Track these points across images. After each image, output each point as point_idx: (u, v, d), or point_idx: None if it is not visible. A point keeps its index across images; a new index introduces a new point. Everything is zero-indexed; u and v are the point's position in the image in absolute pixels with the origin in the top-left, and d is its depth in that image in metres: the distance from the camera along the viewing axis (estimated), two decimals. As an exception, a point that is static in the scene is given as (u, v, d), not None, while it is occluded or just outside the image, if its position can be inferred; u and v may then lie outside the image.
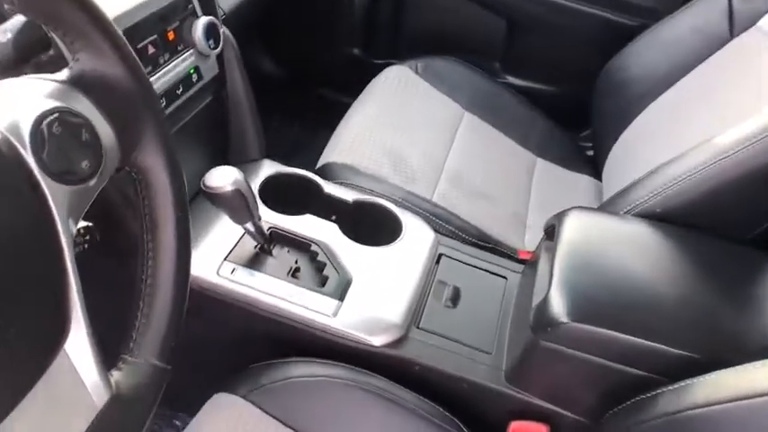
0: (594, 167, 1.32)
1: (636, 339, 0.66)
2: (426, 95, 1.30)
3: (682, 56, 1.20)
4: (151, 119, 0.47)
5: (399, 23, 1.55)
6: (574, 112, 1.41)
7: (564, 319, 0.66)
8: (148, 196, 0.47)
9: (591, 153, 1.39)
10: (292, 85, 1.71)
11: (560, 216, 0.79)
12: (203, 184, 0.72)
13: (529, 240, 1.09)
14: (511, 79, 1.48)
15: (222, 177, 0.72)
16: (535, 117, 1.39)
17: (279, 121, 1.69)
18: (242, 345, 0.86)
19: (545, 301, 0.68)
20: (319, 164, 1.09)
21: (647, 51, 1.27)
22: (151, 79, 0.74)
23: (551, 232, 0.80)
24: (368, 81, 1.32)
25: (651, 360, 0.66)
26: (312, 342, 0.77)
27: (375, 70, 1.36)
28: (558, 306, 0.67)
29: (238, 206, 0.74)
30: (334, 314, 0.77)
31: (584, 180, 1.31)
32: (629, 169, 1.15)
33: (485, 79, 1.38)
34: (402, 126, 1.19)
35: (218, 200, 0.73)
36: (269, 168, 0.97)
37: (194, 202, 0.89)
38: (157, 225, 0.48)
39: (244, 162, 0.98)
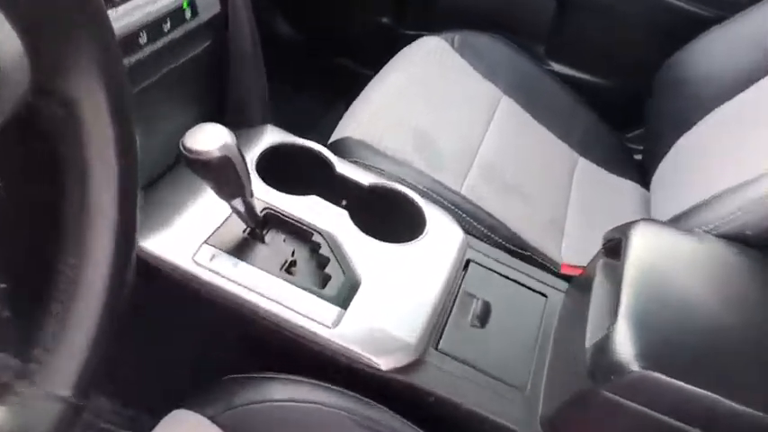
0: (641, 173, 1.17)
1: (725, 401, 0.50)
2: (462, 72, 1.13)
3: (759, 57, 1.04)
4: (89, 34, 0.31)
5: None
6: (624, 108, 1.25)
7: (634, 366, 0.50)
8: (75, 141, 0.32)
9: (639, 157, 1.23)
10: (307, 51, 1.55)
11: (626, 230, 0.63)
12: (182, 145, 0.55)
13: (567, 250, 0.93)
14: (555, 66, 1.31)
15: (207, 138, 0.56)
16: (580, 110, 1.22)
17: (289, 91, 1.53)
18: (215, 350, 0.70)
19: (608, 341, 0.52)
20: (332, 138, 0.93)
21: (719, 47, 1.11)
22: (125, 5, 0.58)
23: (613, 248, 0.64)
24: (394, 54, 1.16)
25: (739, 428, 0.51)
26: (303, 357, 0.62)
27: (404, 42, 1.20)
28: (627, 348, 0.51)
29: (226, 177, 0.58)
30: (334, 324, 0.61)
31: (628, 186, 1.15)
32: (687, 182, 1.00)
33: (528, 62, 1.22)
34: (432, 104, 1.03)
35: (200, 167, 0.57)
36: (271, 136, 0.81)
37: (175, 168, 0.73)
38: (87, 184, 0.32)
39: (242, 126, 0.82)
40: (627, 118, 1.25)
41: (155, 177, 0.72)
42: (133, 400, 0.88)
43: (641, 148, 1.23)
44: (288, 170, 0.78)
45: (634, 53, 1.24)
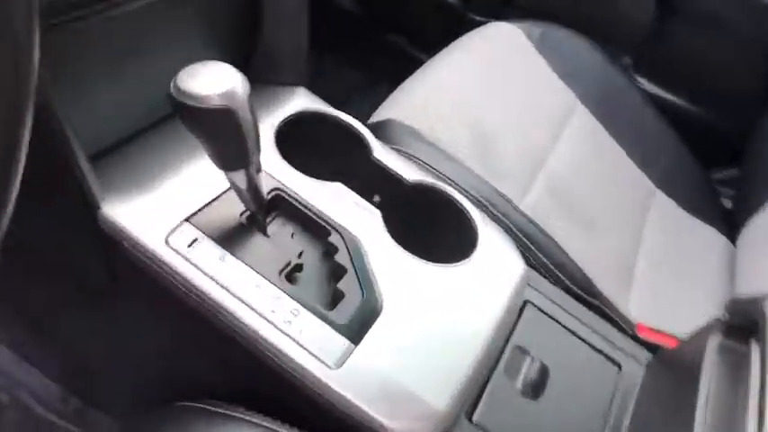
0: (728, 222, 0.98)
1: None
2: (536, 69, 0.96)
3: None
4: None
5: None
6: (717, 143, 1.07)
7: None
8: None
9: (727, 202, 1.04)
10: (356, 22, 1.38)
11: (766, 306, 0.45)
12: (173, 86, 0.39)
13: (636, 300, 0.75)
14: (642, 81, 1.12)
15: (208, 81, 0.39)
16: (666, 137, 1.04)
17: (331, 62, 1.36)
18: (173, 363, 0.54)
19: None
20: (373, 118, 0.76)
21: None
22: None
23: (739, 327, 0.46)
24: (454, 39, 0.99)
25: None
26: (288, 398, 0.45)
27: (468, 28, 1.02)
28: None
29: (226, 137, 0.41)
30: (337, 364, 0.44)
31: (710, 234, 0.96)
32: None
33: (614, 70, 1.03)
34: (496, 99, 0.86)
35: (192, 118, 0.40)
36: (301, 101, 0.64)
37: (171, 121, 0.56)
38: None
39: (269, 82, 0.65)
40: (719, 155, 1.07)
41: (144, 127, 0.56)
42: (82, 393, 0.73)
43: (731, 192, 1.04)
44: (313, 146, 0.61)
45: (741, 81, 1.05)
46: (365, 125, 0.66)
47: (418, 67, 0.91)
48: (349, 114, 0.65)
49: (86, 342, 0.66)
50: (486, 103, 0.84)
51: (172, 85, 0.39)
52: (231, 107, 0.39)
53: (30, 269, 0.59)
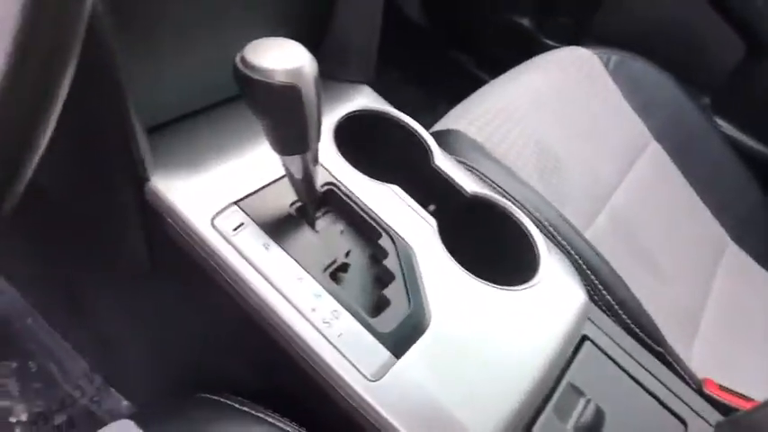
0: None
1: None
2: (610, 99, 0.91)
3: None
4: None
5: (595, 3, 1.15)
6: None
7: None
8: None
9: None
10: (422, 35, 1.36)
11: None
12: (239, 57, 0.36)
13: (700, 354, 0.69)
14: (721, 123, 1.06)
15: (276, 56, 0.37)
16: (744, 185, 0.97)
17: (396, 76, 1.35)
18: (200, 351, 0.51)
19: None
20: (436, 127, 0.73)
21: None
22: None
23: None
24: (521, 62, 0.95)
25: None
26: (318, 406, 0.41)
27: (540, 52, 0.98)
28: None
29: (287, 116, 0.39)
30: (376, 376, 0.41)
31: (783, 293, 0.89)
32: None
33: (694, 108, 0.97)
34: (566, 124, 0.82)
35: (255, 92, 0.38)
36: (365, 100, 0.61)
37: (233, 104, 0.55)
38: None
39: (334, 78, 0.63)
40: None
41: (204, 107, 0.54)
42: (106, 371, 0.71)
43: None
44: (371, 146, 0.58)
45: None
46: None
47: (479, 87, 0.87)
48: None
49: (116, 320, 0.64)
50: (554, 127, 0.80)
51: (238, 56, 0.37)
52: (297, 84, 0.37)
53: (69, 239, 0.58)
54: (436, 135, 0.69)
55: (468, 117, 0.73)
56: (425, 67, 1.37)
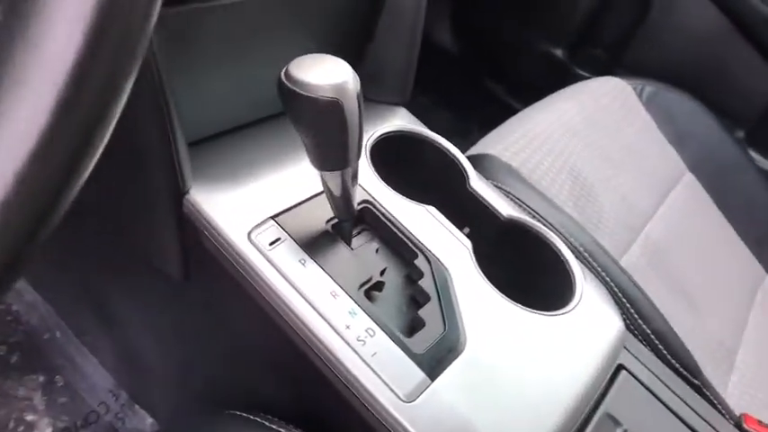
0: None
1: None
2: (644, 129, 0.91)
3: None
4: None
5: (628, 35, 1.15)
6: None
7: None
8: None
9: None
10: (454, 63, 1.37)
11: None
12: (283, 72, 0.37)
13: (737, 389, 0.67)
14: (756, 156, 1.04)
15: (321, 72, 0.37)
16: (781, 219, 0.95)
17: (427, 101, 1.36)
18: (229, 368, 0.51)
19: None
20: (470, 151, 0.73)
21: None
22: None
23: None
24: (553, 92, 0.95)
25: None
26: (349, 426, 0.41)
27: (573, 82, 0.98)
28: None
29: (329, 132, 0.39)
30: (410, 397, 0.40)
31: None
32: None
33: (729, 140, 0.96)
34: (601, 153, 0.81)
35: (298, 107, 0.38)
36: (401, 121, 0.62)
37: (275, 121, 0.55)
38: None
39: (371, 99, 0.64)
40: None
41: (247, 122, 0.55)
42: (131, 387, 0.71)
43: None
44: (407, 166, 0.58)
45: None
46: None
47: (511, 116, 0.87)
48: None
49: (144, 332, 0.64)
50: (588, 155, 0.79)
51: (283, 71, 0.37)
52: (340, 100, 0.37)
53: (104, 251, 0.59)
54: (471, 159, 0.69)
55: (502, 142, 0.73)
56: (457, 93, 1.38)
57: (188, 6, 0.44)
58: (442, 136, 0.61)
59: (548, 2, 1.20)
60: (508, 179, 0.65)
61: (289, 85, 0.37)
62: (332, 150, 0.41)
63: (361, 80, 0.61)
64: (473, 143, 0.79)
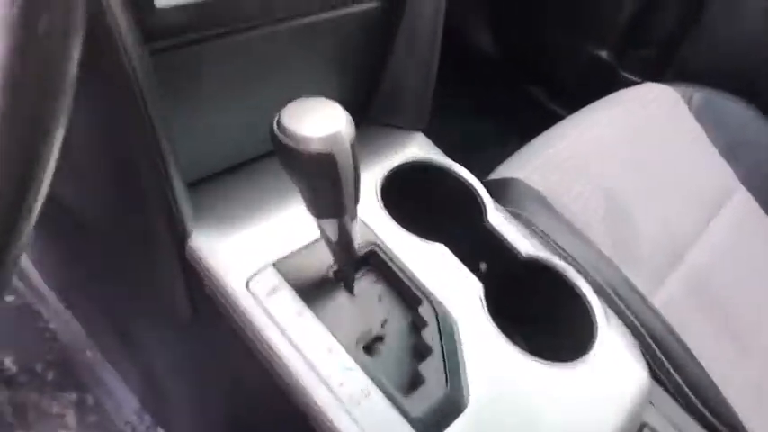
0: None
1: None
2: (693, 140, 0.84)
3: None
4: None
5: (680, 35, 1.08)
6: None
7: None
8: None
9: None
10: (493, 66, 1.33)
11: None
12: (275, 122, 0.35)
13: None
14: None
15: (313, 120, 0.35)
16: None
17: (467, 107, 1.31)
18: (236, 406, 0.50)
19: None
20: (495, 175, 0.70)
21: None
22: None
23: None
24: (598, 97, 0.90)
25: None
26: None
27: (619, 86, 0.93)
28: None
29: (322, 183, 0.37)
30: (403, 464, 0.38)
31: None
32: None
33: (789, 152, 0.88)
34: (641, 170, 0.76)
35: (289, 158, 0.36)
36: (417, 149, 0.59)
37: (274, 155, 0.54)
38: None
39: (387, 124, 0.62)
40: None
41: (246, 161, 0.54)
42: (155, 411, 0.72)
43: None
44: (421, 199, 0.56)
45: None
46: (484, 182, 0.59)
47: (554, 122, 0.83)
48: (470, 166, 0.59)
49: (161, 357, 0.65)
50: (626, 173, 0.74)
51: (275, 120, 0.36)
52: (332, 153, 0.35)
53: (119, 286, 0.59)
54: (494, 184, 0.66)
55: (531, 164, 0.69)
56: (496, 99, 1.33)
57: (181, 38, 0.43)
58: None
59: (591, 1, 1.14)
60: (533, 206, 0.62)
61: (280, 136, 0.35)
62: (325, 200, 0.39)
63: (376, 106, 0.59)
64: (512, 152, 0.75)
